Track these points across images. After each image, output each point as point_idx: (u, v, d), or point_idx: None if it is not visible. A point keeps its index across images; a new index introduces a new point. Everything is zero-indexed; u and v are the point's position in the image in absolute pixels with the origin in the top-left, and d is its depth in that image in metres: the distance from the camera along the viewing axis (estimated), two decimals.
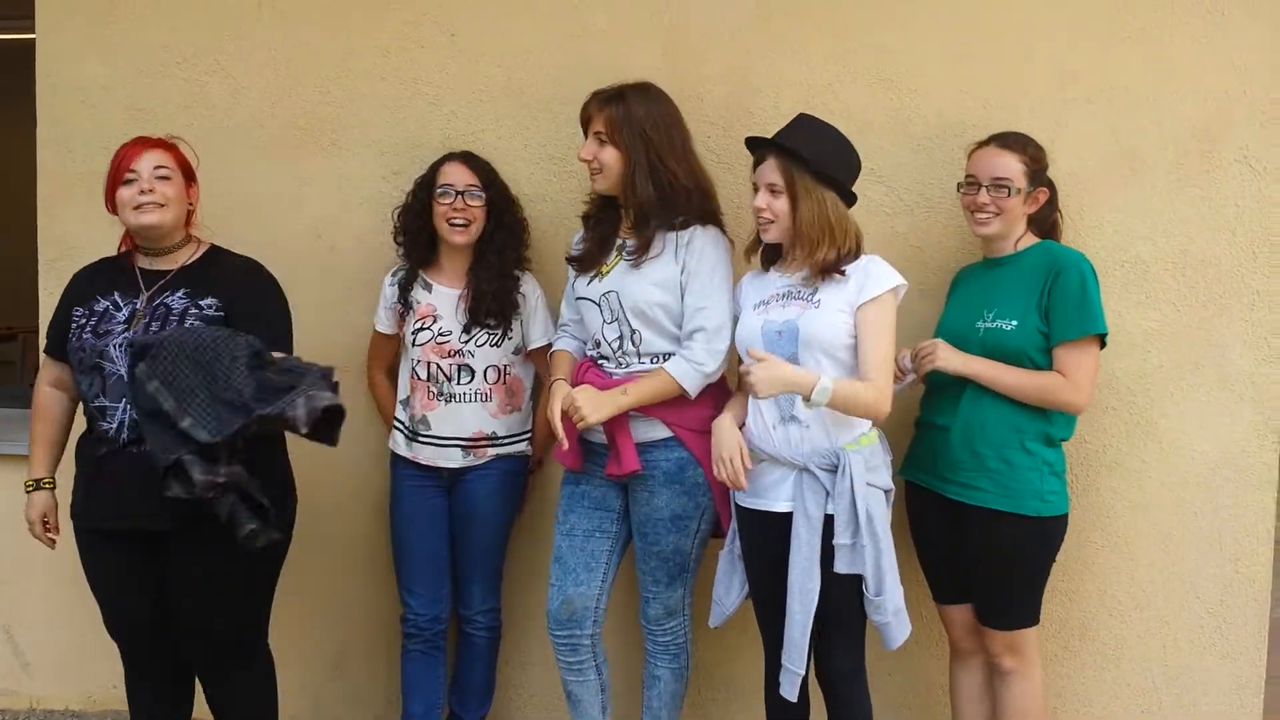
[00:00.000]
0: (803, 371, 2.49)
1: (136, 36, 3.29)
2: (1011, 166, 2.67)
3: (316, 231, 3.21)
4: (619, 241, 2.78)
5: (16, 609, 3.56)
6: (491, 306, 2.95)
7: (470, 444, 3.00)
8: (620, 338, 2.74)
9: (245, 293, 2.67)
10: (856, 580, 2.52)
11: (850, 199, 2.61)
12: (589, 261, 2.81)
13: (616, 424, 2.70)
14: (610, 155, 2.71)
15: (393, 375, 3.14)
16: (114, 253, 2.81)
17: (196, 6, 3.27)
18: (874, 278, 2.55)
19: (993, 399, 2.65)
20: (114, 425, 2.59)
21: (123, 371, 2.57)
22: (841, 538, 2.49)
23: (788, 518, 2.55)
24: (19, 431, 3.49)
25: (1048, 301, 2.62)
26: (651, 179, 2.68)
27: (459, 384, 2.96)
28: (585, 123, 2.77)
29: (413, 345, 3.00)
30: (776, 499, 2.60)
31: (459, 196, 2.91)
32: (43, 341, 2.83)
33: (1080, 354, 2.60)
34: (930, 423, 2.79)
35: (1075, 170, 2.97)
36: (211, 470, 2.39)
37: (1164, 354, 3.01)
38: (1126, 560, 3.08)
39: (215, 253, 2.76)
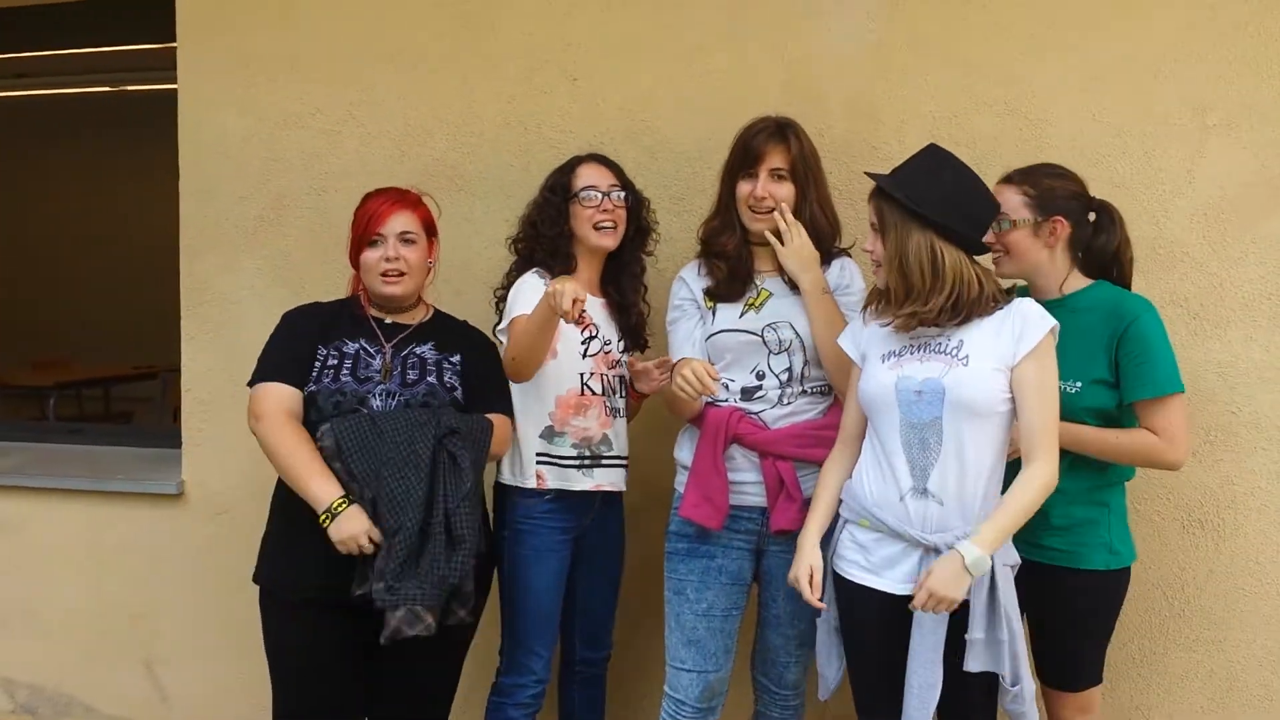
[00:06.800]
0: (950, 556, 2.14)
1: (272, 89, 3.43)
2: (1008, 200, 2.48)
3: (442, 275, 3.25)
4: (758, 276, 2.68)
5: (157, 643, 3.67)
6: (639, 318, 2.86)
7: (629, 462, 2.87)
8: (789, 370, 2.61)
9: (484, 362, 2.69)
10: (987, 675, 2.20)
11: (969, 243, 2.26)
12: (733, 294, 2.67)
13: (786, 470, 2.58)
14: (786, 192, 2.62)
15: None
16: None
17: (329, 60, 3.38)
18: (1029, 324, 2.19)
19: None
20: None
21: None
22: (975, 631, 2.15)
23: (904, 600, 2.22)
24: (168, 471, 3.64)
25: (1118, 356, 2.41)
26: (822, 215, 2.64)
27: (619, 396, 2.80)
28: (754, 157, 2.62)
29: (582, 357, 2.76)
30: (894, 579, 2.26)
31: (605, 198, 2.77)
32: (250, 369, 2.60)
33: (1169, 408, 2.40)
34: None
35: (1216, 199, 2.86)
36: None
37: None
38: (1279, 608, 2.92)
39: (441, 316, 2.76)
